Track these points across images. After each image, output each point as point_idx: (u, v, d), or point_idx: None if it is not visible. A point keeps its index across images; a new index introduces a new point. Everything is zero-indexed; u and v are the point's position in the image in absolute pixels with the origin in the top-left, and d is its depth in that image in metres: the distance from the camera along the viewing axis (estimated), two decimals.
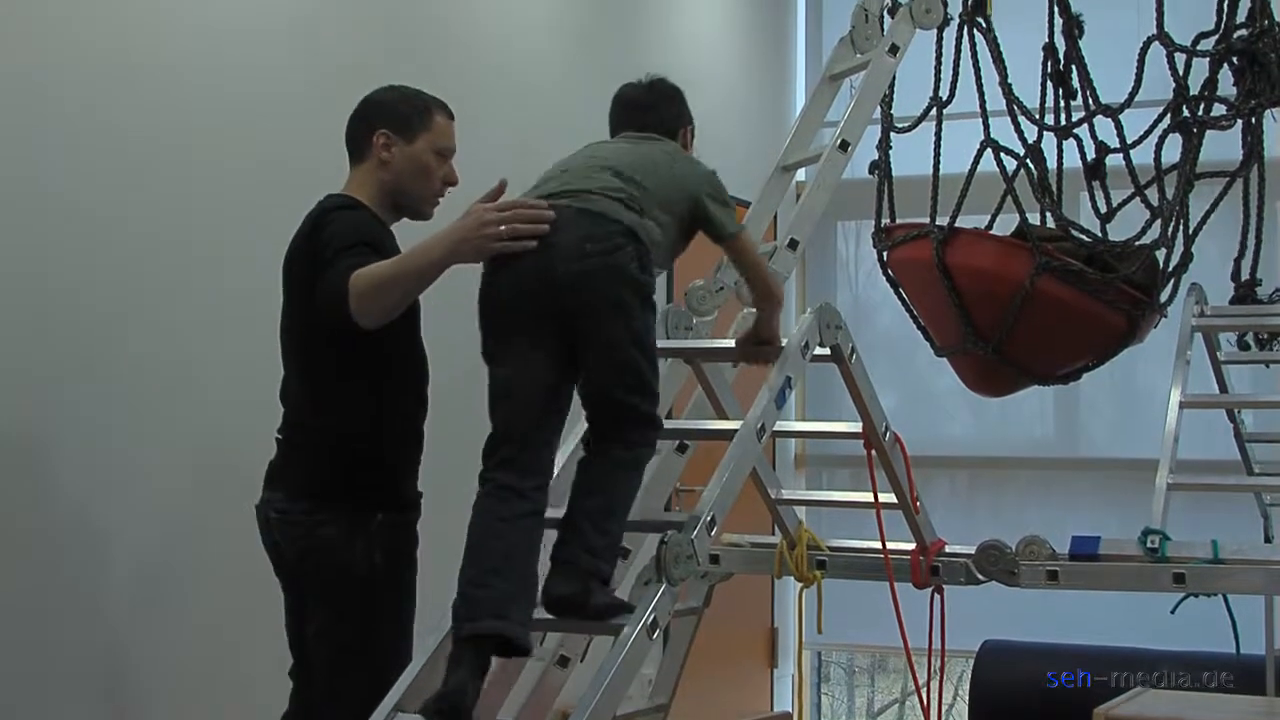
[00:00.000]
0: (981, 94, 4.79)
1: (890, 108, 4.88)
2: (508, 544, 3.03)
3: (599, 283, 3.07)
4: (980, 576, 3.94)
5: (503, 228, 3.10)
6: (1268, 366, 5.45)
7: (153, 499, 4.20)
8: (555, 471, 3.24)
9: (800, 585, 4.03)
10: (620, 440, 3.14)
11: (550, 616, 3.10)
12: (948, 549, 3.98)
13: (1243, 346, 5.19)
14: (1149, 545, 3.87)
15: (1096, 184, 4.99)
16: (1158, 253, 4.66)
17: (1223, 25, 4.82)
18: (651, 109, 3.51)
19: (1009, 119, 4.76)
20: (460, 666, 2.94)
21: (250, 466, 3.60)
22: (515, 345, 3.13)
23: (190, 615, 4.31)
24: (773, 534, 4.07)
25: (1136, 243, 4.62)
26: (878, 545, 3.81)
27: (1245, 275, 5.04)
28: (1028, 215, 4.66)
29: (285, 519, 3.48)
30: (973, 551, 3.95)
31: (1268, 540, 5.29)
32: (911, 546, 3.95)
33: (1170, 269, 4.69)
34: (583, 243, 3.07)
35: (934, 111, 4.87)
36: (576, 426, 3.39)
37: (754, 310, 3.53)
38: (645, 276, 3.13)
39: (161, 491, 4.23)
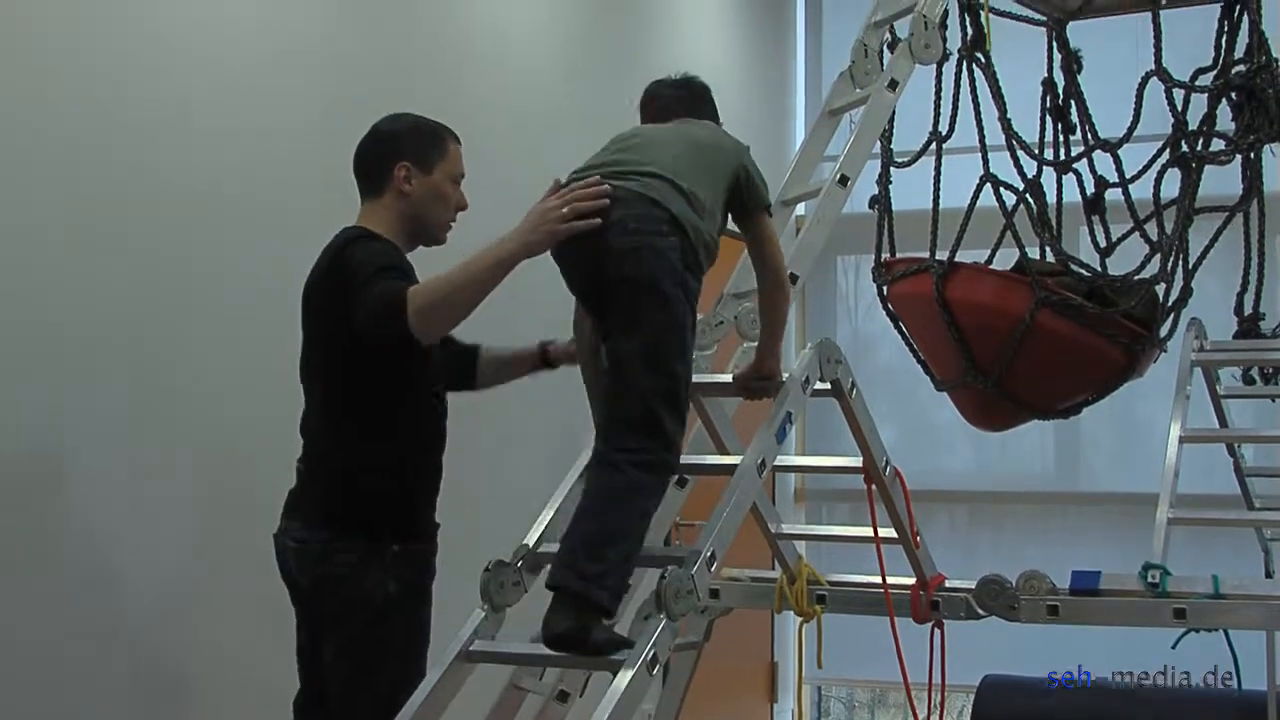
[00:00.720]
0: (981, 129, 4.80)
1: (890, 142, 4.90)
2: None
3: (642, 262, 3.08)
4: (980, 611, 3.93)
5: (565, 210, 3.14)
6: (1274, 401, 5.45)
7: (172, 520, 4.20)
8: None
9: (800, 620, 4.02)
10: (632, 452, 3.06)
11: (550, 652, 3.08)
12: (948, 584, 3.97)
13: (1248, 381, 5.19)
14: (1150, 580, 3.86)
15: (1096, 219, 5.01)
16: (1157, 287, 4.66)
17: (1220, 61, 4.85)
18: (686, 101, 3.62)
19: (1008, 154, 4.77)
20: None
21: (269, 492, 3.61)
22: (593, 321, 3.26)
23: (205, 635, 4.31)
24: (773, 569, 4.06)
25: (1136, 277, 4.63)
26: (878, 580, 3.80)
27: (1248, 310, 5.05)
28: (1027, 250, 4.66)
29: (302, 548, 3.48)
30: (973, 586, 3.94)
31: (1269, 575, 5.28)
32: (911, 581, 3.94)
33: (1170, 303, 4.70)
34: (629, 221, 3.11)
35: (933, 146, 4.89)
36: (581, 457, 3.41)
37: (754, 345, 3.53)
38: (686, 272, 3.12)
39: (180, 512, 4.23)
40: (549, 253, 3.22)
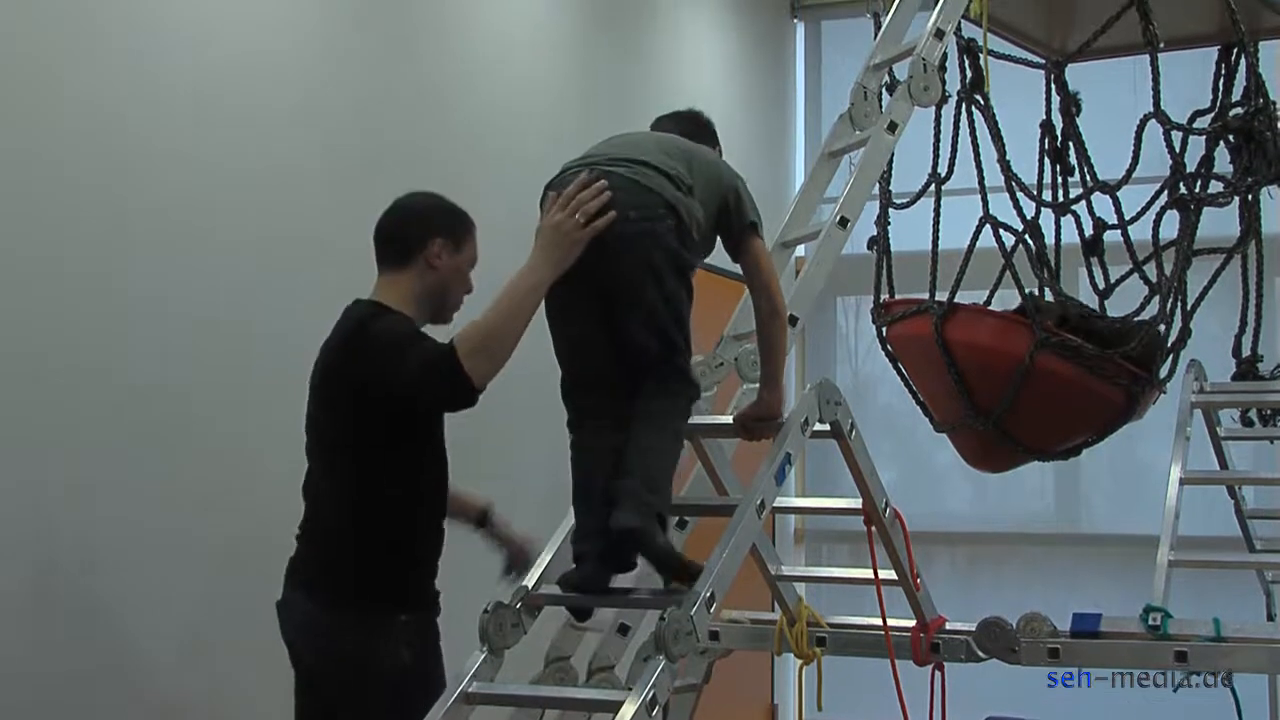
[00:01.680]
0: (980, 170, 4.82)
1: (889, 184, 4.91)
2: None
3: (638, 247, 3.21)
4: (981, 654, 3.92)
5: (578, 217, 3.22)
6: (1272, 443, 5.45)
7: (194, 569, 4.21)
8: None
9: (800, 662, 4.00)
10: (656, 386, 3.22)
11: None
12: (948, 626, 3.96)
13: (1246, 423, 5.18)
14: (1151, 623, 3.85)
15: (1095, 260, 5.01)
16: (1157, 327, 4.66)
17: (1219, 103, 4.86)
18: (684, 124, 3.70)
19: (1008, 195, 4.79)
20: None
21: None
22: (576, 307, 3.29)
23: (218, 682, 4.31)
24: (772, 610, 4.05)
25: (1137, 318, 4.63)
26: (878, 622, 3.79)
27: (1246, 351, 5.05)
28: (1026, 291, 4.67)
29: (309, 623, 3.47)
30: (973, 628, 3.93)
31: (1270, 618, 5.27)
32: (912, 623, 3.93)
33: (1169, 345, 4.70)
34: (627, 209, 3.21)
35: (933, 188, 4.90)
36: None
37: (754, 386, 3.54)
38: (683, 251, 3.25)
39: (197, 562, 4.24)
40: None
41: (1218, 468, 5.17)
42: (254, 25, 4.35)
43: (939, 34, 4.16)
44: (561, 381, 3.38)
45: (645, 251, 3.21)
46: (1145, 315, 4.65)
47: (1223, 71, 4.93)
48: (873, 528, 3.76)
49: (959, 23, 4.39)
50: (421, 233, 3.57)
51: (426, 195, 3.68)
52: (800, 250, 4.52)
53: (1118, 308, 4.83)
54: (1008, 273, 4.78)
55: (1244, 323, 5.05)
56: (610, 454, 3.23)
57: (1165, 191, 4.77)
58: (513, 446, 5.38)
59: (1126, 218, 4.86)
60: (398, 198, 3.68)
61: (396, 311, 3.49)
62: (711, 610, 3.10)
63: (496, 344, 3.24)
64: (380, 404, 3.36)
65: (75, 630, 3.90)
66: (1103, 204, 4.93)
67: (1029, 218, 4.83)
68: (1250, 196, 4.86)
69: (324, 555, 3.48)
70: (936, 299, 4.77)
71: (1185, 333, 4.72)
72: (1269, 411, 5.13)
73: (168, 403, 4.17)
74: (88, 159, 3.84)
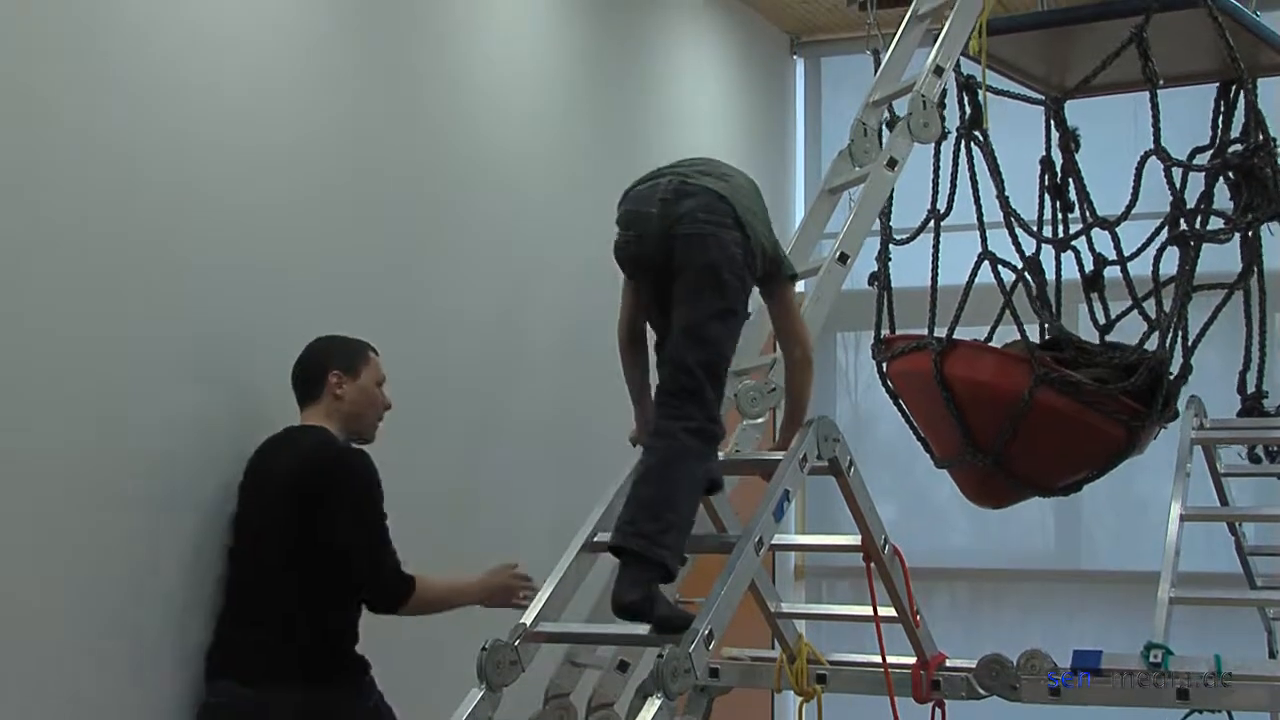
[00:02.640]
0: (979, 206, 4.83)
1: (889, 220, 4.92)
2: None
3: (708, 249, 3.36)
4: (981, 691, 3.90)
5: (523, 595, 3.92)
6: (1278, 478, 5.43)
7: None
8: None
9: (801, 699, 3.99)
10: (680, 419, 3.31)
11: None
12: (949, 663, 3.94)
13: (1253, 459, 5.17)
14: (1152, 660, 3.84)
15: (1095, 296, 5.01)
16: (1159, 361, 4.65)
17: (1218, 140, 4.87)
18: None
19: (1007, 231, 4.79)
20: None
21: None
22: (646, 290, 3.51)
23: None
24: (772, 647, 4.04)
25: (1139, 352, 4.63)
26: (878, 659, 3.78)
27: (1251, 387, 5.04)
28: (1025, 329, 4.67)
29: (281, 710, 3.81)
30: (974, 666, 3.92)
31: (1272, 655, 5.24)
32: (912, 660, 3.92)
33: (1171, 381, 4.69)
34: (699, 211, 3.39)
35: (932, 224, 4.91)
36: None
37: (754, 422, 3.57)
38: (745, 269, 3.41)
39: None
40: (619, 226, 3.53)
41: (1218, 504, 5.16)
42: (253, 62, 4.35)
43: (938, 71, 4.18)
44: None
45: (709, 253, 3.35)
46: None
47: (1222, 108, 4.94)
48: (872, 564, 3.75)
49: (958, 60, 4.41)
50: (319, 370, 4.12)
51: (323, 337, 4.18)
52: (800, 286, 4.52)
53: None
54: (1007, 309, 4.78)
55: (1248, 359, 5.04)
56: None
57: (1165, 228, 4.77)
58: (514, 488, 5.37)
59: (1126, 254, 4.86)
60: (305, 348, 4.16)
61: (345, 446, 4.03)
62: (710, 647, 3.10)
63: (432, 609, 4.03)
64: (330, 555, 3.89)
65: None
66: (1103, 240, 4.94)
67: (1028, 254, 4.83)
68: (1250, 233, 4.86)
69: (271, 641, 3.87)
70: (936, 335, 4.77)
71: (1186, 369, 4.72)
72: (1275, 448, 5.12)
73: (166, 437, 4.15)
74: (89, 191, 3.84)
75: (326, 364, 4.12)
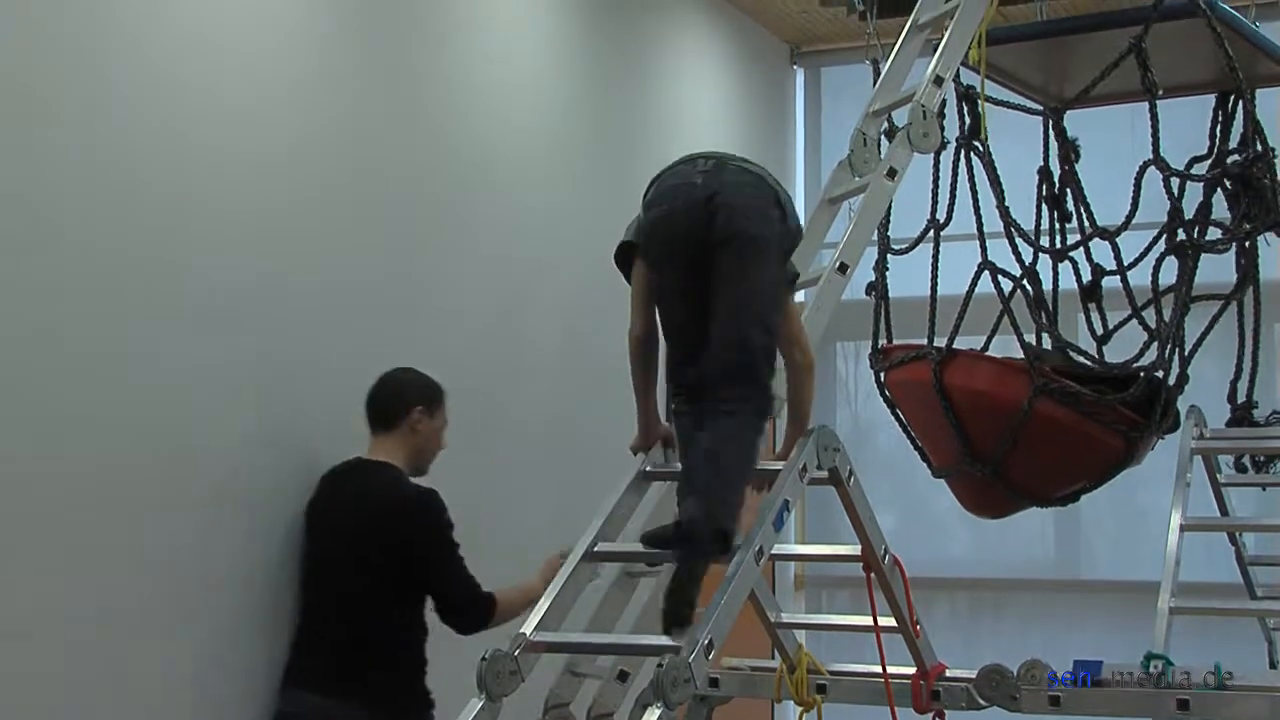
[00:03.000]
0: (979, 216, 4.83)
1: (888, 230, 4.92)
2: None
3: (752, 222, 3.37)
4: (982, 701, 3.90)
5: None
6: (1264, 489, 5.44)
7: None
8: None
9: (801, 709, 3.99)
10: (736, 400, 3.31)
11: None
12: (949, 673, 3.94)
13: (1239, 469, 5.18)
14: (1152, 670, 3.84)
15: (1093, 306, 5.01)
16: (1157, 374, 4.66)
17: (1217, 150, 4.87)
18: None
19: (1006, 241, 4.79)
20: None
21: None
22: (673, 274, 3.45)
23: None
24: (772, 657, 4.03)
25: (1134, 365, 4.63)
26: (878, 669, 3.78)
27: (1242, 397, 5.05)
28: (1025, 338, 4.67)
29: None
30: (974, 676, 3.91)
31: (1273, 666, 5.24)
32: (912, 670, 3.92)
33: (1169, 391, 4.69)
34: (745, 187, 3.42)
35: (931, 233, 4.91)
36: None
37: None
38: (786, 244, 3.46)
39: None
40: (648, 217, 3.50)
41: (1218, 514, 5.16)
42: (253, 64, 4.35)
43: (938, 81, 4.18)
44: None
45: (754, 227, 3.35)
46: (1144, 361, 4.64)
47: (1220, 118, 4.94)
48: (872, 574, 3.75)
49: (958, 70, 4.41)
50: (401, 404, 4.36)
51: (407, 370, 4.42)
52: (800, 296, 4.52)
53: (1117, 354, 4.82)
54: (1006, 318, 4.78)
55: (1239, 368, 5.04)
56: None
57: (1163, 237, 4.77)
58: (514, 490, 5.37)
59: (1125, 264, 4.86)
60: (385, 373, 4.39)
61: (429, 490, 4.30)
62: (710, 657, 3.09)
63: (512, 617, 4.13)
64: (412, 581, 4.24)
65: None
66: (1101, 250, 4.94)
67: (1027, 264, 4.83)
68: (1248, 243, 4.86)
69: (356, 671, 4.12)
70: (935, 344, 4.77)
71: (1183, 379, 4.71)
72: (1262, 458, 5.13)
73: (170, 448, 4.16)
74: (87, 202, 3.84)
75: (410, 398, 4.37)
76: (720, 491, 3.24)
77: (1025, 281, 4.82)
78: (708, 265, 3.36)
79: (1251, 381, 5.04)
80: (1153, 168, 4.68)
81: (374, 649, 4.18)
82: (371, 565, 4.20)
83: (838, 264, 3.98)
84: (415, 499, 4.27)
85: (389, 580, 4.21)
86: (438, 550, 4.24)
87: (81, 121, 3.79)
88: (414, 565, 4.22)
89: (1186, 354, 4.71)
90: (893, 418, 5.09)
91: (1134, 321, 4.85)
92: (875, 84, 4.49)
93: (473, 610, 4.26)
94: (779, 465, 3.48)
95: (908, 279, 5.00)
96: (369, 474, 4.33)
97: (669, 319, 3.51)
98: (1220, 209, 4.89)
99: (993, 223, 4.81)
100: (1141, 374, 4.58)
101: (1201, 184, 4.83)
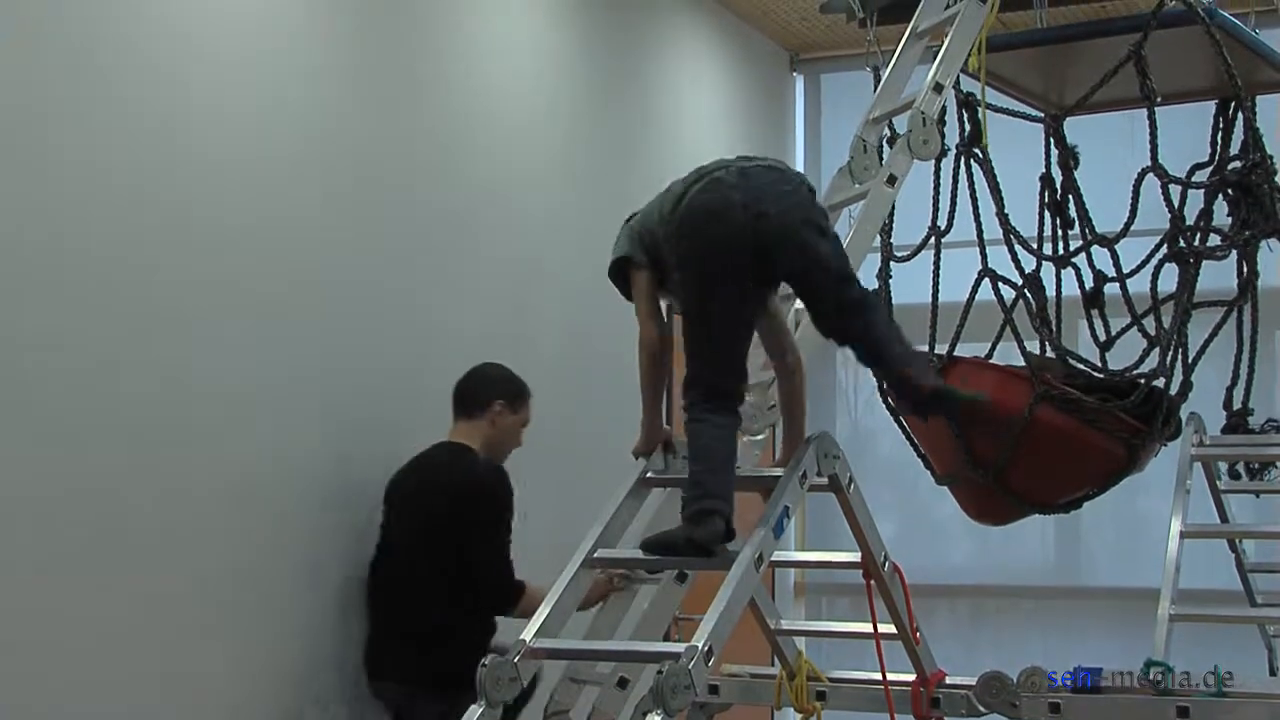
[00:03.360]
0: (979, 223, 4.83)
1: (889, 236, 4.92)
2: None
3: (802, 204, 3.47)
4: (981, 709, 3.90)
5: (617, 580, 3.88)
6: (1258, 496, 5.44)
7: None
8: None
9: (800, 717, 3.99)
10: (851, 314, 3.51)
11: None
12: (949, 680, 3.94)
13: (1233, 475, 5.18)
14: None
15: (1095, 313, 5.01)
16: (1157, 381, 4.66)
17: (1216, 157, 4.88)
18: None
19: (1007, 248, 4.79)
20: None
21: None
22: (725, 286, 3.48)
23: None
24: (772, 664, 4.03)
25: (1136, 372, 4.63)
26: (878, 676, 3.77)
27: (1237, 404, 5.04)
28: (1026, 344, 4.67)
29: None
30: (974, 683, 3.91)
31: (1272, 673, 5.24)
32: (912, 677, 3.91)
33: (1171, 399, 4.69)
34: (779, 184, 3.47)
35: (932, 240, 4.91)
36: None
37: (753, 439, 3.55)
38: (826, 223, 3.57)
39: None
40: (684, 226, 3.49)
41: (1218, 521, 5.16)
42: (252, 74, 4.36)
43: (938, 88, 4.18)
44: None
45: (801, 213, 3.44)
46: (1145, 368, 4.64)
47: (1220, 126, 4.94)
48: (872, 581, 3.75)
49: (958, 77, 4.41)
50: (486, 395, 4.55)
51: (495, 364, 4.62)
52: (799, 303, 4.52)
53: (1118, 361, 4.82)
54: (1007, 326, 4.78)
55: (1235, 376, 5.04)
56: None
57: (1164, 245, 4.77)
58: (517, 500, 5.37)
59: (1125, 271, 4.86)
60: (476, 365, 4.60)
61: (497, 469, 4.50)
62: (710, 664, 3.09)
63: (531, 612, 3.86)
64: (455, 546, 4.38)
65: None
66: (1102, 257, 4.94)
67: (1028, 271, 4.83)
68: (1248, 250, 4.86)
69: (431, 651, 4.28)
70: (936, 352, 4.77)
71: (1186, 386, 4.71)
72: (1256, 465, 5.13)
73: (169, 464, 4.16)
74: (89, 211, 3.85)
75: (495, 392, 4.57)
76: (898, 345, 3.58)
77: (1026, 289, 4.82)
78: (759, 249, 3.40)
79: (1247, 388, 5.03)
80: (1152, 175, 4.69)
81: (443, 634, 4.30)
82: (441, 549, 4.35)
83: None
84: (480, 477, 4.44)
85: (455, 563, 4.34)
86: (484, 521, 4.37)
87: (83, 137, 3.80)
88: (463, 541, 4.35)
89: (1189, 361, 4.71)
90: (894, 425, 5.08)
91: (1135, 329, 4.85)
92: (875, 91, 4.49)
93: (496, 592, 4.36)
94: (779, 472, 3.48)
95: (909, 286, 5.00)
96: (445, 458, 4.50)
97: (702, 334, 3.47)
98: (1220, 216, 4.90)
99: (993, 230, 4.81)
100: (1143, 381, 4.59)
101: (1202, 191, 4.83)
